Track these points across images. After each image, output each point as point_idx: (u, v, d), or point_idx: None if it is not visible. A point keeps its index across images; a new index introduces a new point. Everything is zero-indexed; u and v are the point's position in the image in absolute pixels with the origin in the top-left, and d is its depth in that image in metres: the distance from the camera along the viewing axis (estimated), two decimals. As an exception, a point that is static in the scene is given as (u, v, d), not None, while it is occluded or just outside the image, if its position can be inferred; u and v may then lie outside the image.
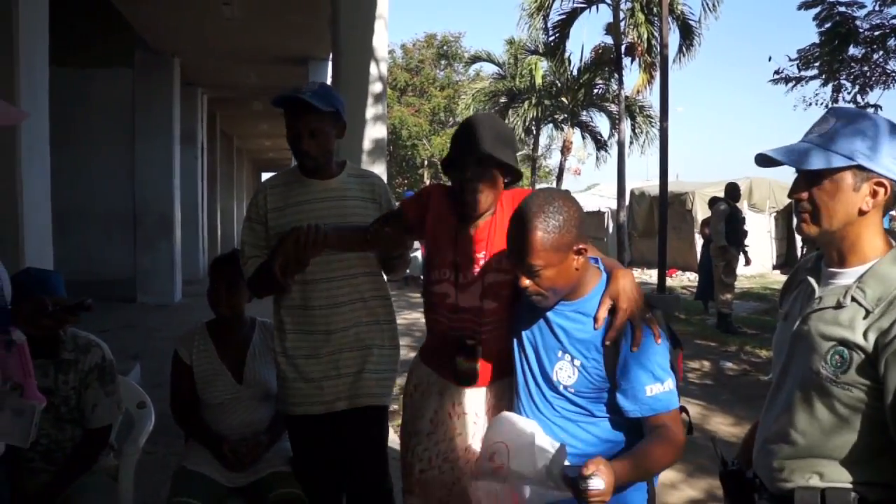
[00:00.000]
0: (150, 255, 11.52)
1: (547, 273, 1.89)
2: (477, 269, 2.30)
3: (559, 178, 23.31)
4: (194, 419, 2.93)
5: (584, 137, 23.88)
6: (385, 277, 2.74)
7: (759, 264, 16.98)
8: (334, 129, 2.58)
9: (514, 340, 2.17)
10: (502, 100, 23.96)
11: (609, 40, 19.02)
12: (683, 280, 16.69)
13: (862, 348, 1.50)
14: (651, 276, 15.48)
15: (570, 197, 1.96)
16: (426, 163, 33.63)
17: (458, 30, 55.33)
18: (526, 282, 1.92)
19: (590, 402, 2.01)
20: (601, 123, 33.32)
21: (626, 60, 18.49)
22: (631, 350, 1.92)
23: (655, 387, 1.91)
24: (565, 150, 23.07)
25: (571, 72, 21.30)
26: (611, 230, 20.91)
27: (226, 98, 15.74)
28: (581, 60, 21.13)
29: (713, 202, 10.65)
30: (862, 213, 1.56)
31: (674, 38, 16.78)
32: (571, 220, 1.88)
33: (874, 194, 1.56)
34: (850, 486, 1.56)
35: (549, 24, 18.93)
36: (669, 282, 12.66)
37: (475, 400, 2.34)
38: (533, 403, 2.09)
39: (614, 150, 20.74)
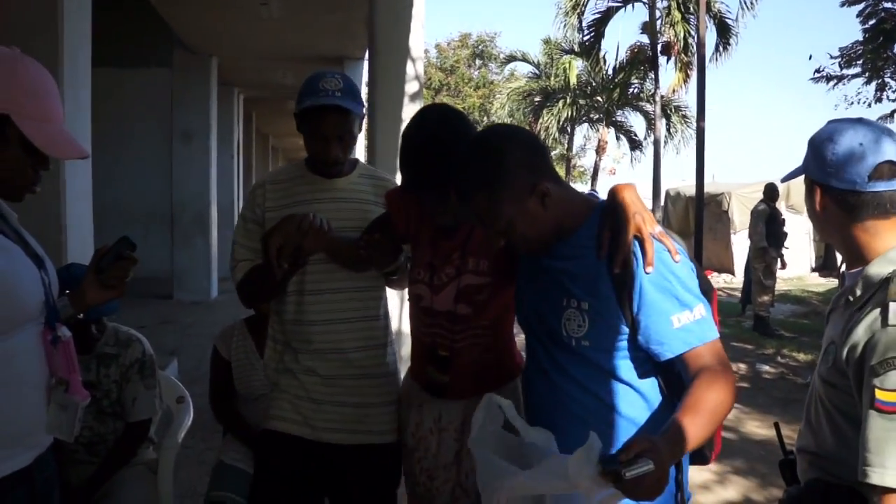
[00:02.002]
0: (187, 253, 11.67)
1: (509, 229, 1.64)
2: (452, 271, 2.09)
3: (594, 177, 23.20)
4: (232, 413, 2.98)
5: (618, 137, 23.75)
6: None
7: (797, 266, 16.72)
8: (359, 127, 2.29)
9: (518, 317, 1.89)
10: (537, 99, 23.91)
11: (645, 39, 18.88)
12: (719, 282, 16.48)
13: (838, 345, 1.54)
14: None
15: (500, 137, 1.68)
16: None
17: (493, 30, 55.13)
18: (494, 239, 1.71)
19: (610, 358, 1.64)
20: (636, 123, 33.09)
21: (662, 60, 18.35)
22: (645, 271, 1.55)
23: (684, 315, 1.55)
24: (600, 149, 22.94)
25: (606, 71, 21.19)
26: (645, 231, 20.73)
27: (262, 98, 15.92)
28: (616, 60, 21.02)
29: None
30: (820, 217, 1.64)
31: (710, 37, 16.60)
32: (511, 165, 1.61)
33: (820, 198, 1.63)
34: (854, 485, 1.53)
35: (585, 24, 18.85)
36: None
37: (456, 414, 2.12)
38: (545, 376, 1.75)
39: (649, 150, 20.61)
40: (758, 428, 5.56)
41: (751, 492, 4.34)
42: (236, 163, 14.73)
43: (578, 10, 18.56)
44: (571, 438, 1.54)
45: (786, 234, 9.80)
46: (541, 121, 23.47)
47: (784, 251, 9.81)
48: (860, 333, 1.48)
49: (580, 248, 1.65)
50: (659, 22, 18.06)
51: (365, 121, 2.38)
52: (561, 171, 24.89)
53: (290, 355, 2.30)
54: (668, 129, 20.86)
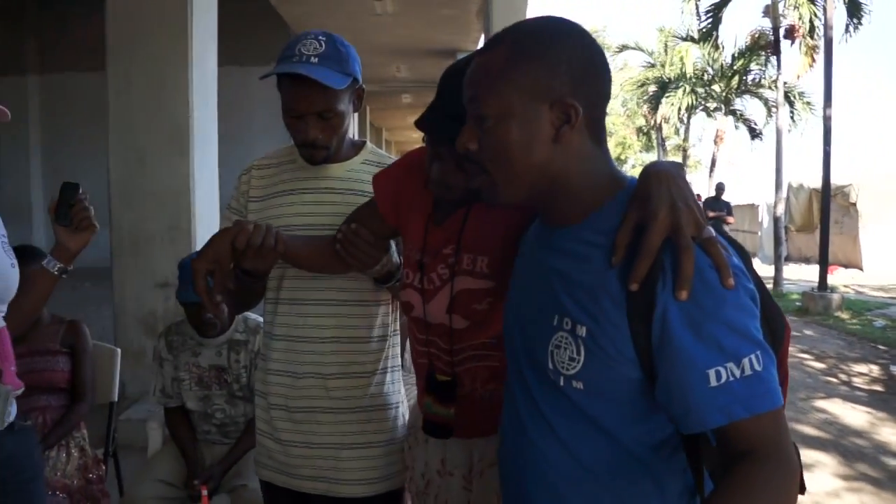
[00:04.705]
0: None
1: (497, 126, 1.13)
2: (445, 271, 1.59)
3: (711, 168, 22.42)
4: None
5: (737, 126, 22.88)
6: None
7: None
8: (351, 102, 1.83)
9: (504, 328, 1.37)
10: (651, 88, 23.36)
11: (766, 23, 18.08)
12: (846, 278, 15.64)
13: None
14: (810, 272, 14.64)
15: (572, 26, 1.16)
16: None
17: (600, 22, 54.23)
18: (465, 139, 1.18)
19: (611, 414, 1.13)
20: (756, 111, 31.77)
21: (785, 44, 17.52)
22: (675, 295, 1.02)
23: (726, 369, 1.00)
24: (718, 139, 22.15)
25: (725, 58, 20.46)
26: (765, 224, 19.93)
27: (375, 92, 16.20)
28: (735, 46, 20.27)
29: None
30: None
31: (838, 16, 15.70)
32: (560, 57, 1.11)
33: None
34: None
35: (702, 9, 18.23)
36: (830, 279, 11.90)
37: (462, 457, 1.67)
38: (517, 420, 1.25)
39: (769, 140, 19.76)
40: (893, 435, 5.24)
41: (888, 502, 4.09)
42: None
43: (696, -5, 17.98)
44: None
45: None
46: (658, 110, 22.91)
47: None
48: None
49: (588, 244, 1.13)
50: (782, 4, 17.25)
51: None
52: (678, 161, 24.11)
53: (265, 375, 1.96)
54: (791, 117, 19.94)
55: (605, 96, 1.17)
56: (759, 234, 19.97)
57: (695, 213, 1.08)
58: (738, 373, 1.00)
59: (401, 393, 1.99)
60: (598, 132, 1.16)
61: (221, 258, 1.52)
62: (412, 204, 1.67)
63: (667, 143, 27.64)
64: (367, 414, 1.88)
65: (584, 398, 1.12)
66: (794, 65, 17.67)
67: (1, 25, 10.65)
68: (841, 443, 5.04)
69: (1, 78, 11.06)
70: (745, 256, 1.14)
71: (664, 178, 1.11)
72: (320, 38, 1.75)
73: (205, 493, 2.64)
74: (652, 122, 24.65)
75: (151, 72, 4.85)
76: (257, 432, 2.00)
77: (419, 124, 1.50)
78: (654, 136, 26.79)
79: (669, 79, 22.58)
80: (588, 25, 34.75)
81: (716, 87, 21.88)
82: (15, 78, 11.21)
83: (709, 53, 20.21)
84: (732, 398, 1.00)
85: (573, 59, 1.11)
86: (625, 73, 26.53)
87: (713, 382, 1.00)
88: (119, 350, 3.31)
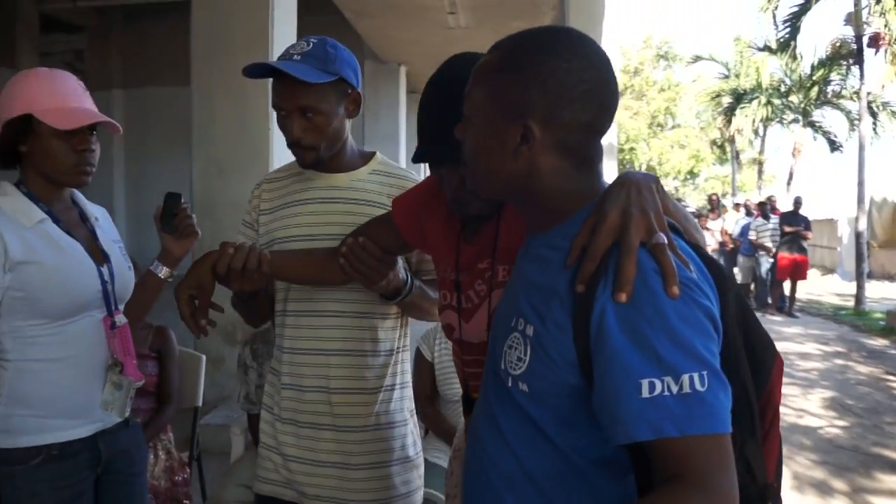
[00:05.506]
0: (376, 254, 12.20)
1: (470, 128, 1.17)
2: (483, 288, 1.52)
3: (789, 182, 21.83)
4: (434, 414, 3.05)
5: (815, 138, 22.22)
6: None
7: None
8: (341, 103, 1.79)
9: None
10: (726, 100, 22.90)
11: (848, 31, 17.54)
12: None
13: None
14: (894, 290, 14.07)
15: (568, 55, 1.10)
16: (644, 167, 32.87)
17: (674, 32, 53.67)
18: (456, 130, 1.21)
19: (554, 421, 1.09)
20: (836, 123, 30.82)
21: (869, 53, 16.94)
22: (614, 297, 0.98)
23: (662, 382, 0.94)
24: (795, 152, 21.54)
25: (803, 68, 19.91)
26: (845, 239, 19.27)
27: (445, 104, 16.35)
28: (814, 55, 19.74)
29: None
30: None
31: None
32: (538, 77, 1.09)
33: None
34: None
35: (780, 18, 17.78)
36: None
37: None
38: (474, 423, 1.27)
39: (850, 152, 19.14)
40: None
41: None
42: (422, 167, 15.21)
43: (773, 5, 17.54)
44: None
45: None
46: (732, 122, 22.45)
47: None
48: None
49: (553, 248, 1.13)
50: (865, 12, 16.70)
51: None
52: (752, 175, 23.59)
53: (273, 388, 1.94)
54: (874, 129, 19.26)
55: (587, 126, 1.11)
56: (839, 249, 19.32)
57: (648, 219, 1.04)
58: (675, 389, 0.93)
59: (409, 410, 1.94)
60: (577, 156, 1.13)
61: (203, 284, 1.57)
62: (439, 227, 1.63)
63: (741, 156, 27.03)
64: (372, 433, 1.84)
65: (528, 401, 1.10)
66: (879, 74, 17.07)
67: (90, 42, 11.09)
68: (934, 469, 4.80)
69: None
70: (719, 275, 1.07)
71: (626, 185, 1.10)
72: (311, 39, 1.76)
73: (286, 499, 2.67)
74: (726, 135, 24.17)
75: (232, 85, 4.97)
76: (261, 447, 1.96)
77: (415, 160, 1.52)
78: (728, 149, 26.25)
79: (745, 90, 22.14)
80: (659, 36, 34.36)
81: (793, 99, 21.34)
82: (101, 92, 11.64)
83: (786, 63, 19.69)
84: (664, 413, 0.93)
85: (552, 82, 1.08)
86: (698, 84, 26.08)
87: (645, 393, 0.94)
88: (203, 356, 3.39)
